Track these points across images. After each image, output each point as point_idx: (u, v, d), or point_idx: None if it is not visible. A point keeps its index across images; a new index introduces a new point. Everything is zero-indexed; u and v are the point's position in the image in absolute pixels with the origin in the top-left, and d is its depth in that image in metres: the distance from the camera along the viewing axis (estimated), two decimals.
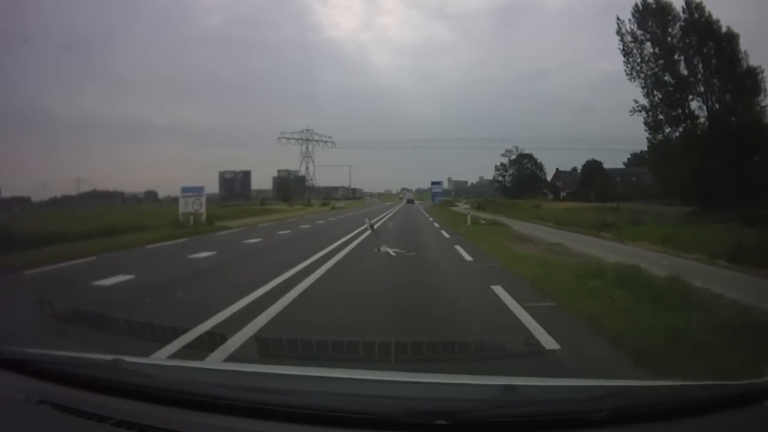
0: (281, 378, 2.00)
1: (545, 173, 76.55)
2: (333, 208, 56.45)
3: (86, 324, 4.71)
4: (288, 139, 78.34)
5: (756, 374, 1.95)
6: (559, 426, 1.55)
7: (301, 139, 79.45)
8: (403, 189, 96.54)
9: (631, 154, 69.39)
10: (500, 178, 78.08)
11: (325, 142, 79.15)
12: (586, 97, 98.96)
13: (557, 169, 75.21)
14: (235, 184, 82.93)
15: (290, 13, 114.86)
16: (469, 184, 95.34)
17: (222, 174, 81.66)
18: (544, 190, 74.04)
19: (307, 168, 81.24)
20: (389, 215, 35.62)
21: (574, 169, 73.29)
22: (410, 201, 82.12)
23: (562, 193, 68.50)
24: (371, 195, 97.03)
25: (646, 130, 32.46)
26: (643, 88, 31.76)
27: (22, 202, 53.75)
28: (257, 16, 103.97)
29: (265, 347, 3.98)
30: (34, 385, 1.88)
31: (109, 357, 1.98)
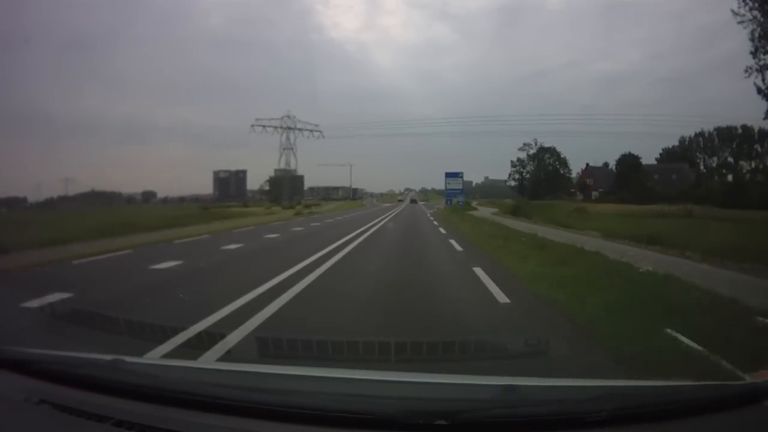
0: (281, 378, 2.00)
1: (569, 169, 65.37)
2: (298, 214, 42.22)
3: (86, 324, 4.71)
4: (264, 127, 66.86)
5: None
6: (559, 426, 1.55)
7: (280, 127, 68.05)
8: (407, 189, 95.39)
9: (663, 149, 60.61)
10: (517, 176, 66.87)
11: (311, 131, 68.12)
12: (588, 97, 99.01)
13: (587, 164, 63.55)
14: (230, 184, 76.91)
15: (292, 14, 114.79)
16: (473, 184, 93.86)
17: (216, 173, 75.92)
18: (572, 189, 63.08)
19: (287, 162, 70.27)
20: (356, 241, 15.84)
21: (605, 165, 62.78)
22: (413, 201, 79.35)
23: (594, 193, 58.20)
24: (372, 195, 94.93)
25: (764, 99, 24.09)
26: (751, 40, 23.78)
27: (18, 202, 53.41)
28: (259, 17, 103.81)
29: (265, 347, 3.98)
30: (34, 385, 1.88)
31: (109, 357, 1.98)
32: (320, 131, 68.66)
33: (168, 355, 3.95)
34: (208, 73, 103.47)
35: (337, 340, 3.91)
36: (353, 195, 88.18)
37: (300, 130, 69.87)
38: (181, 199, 72.02)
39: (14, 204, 52.77)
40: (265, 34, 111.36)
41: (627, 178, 53.33)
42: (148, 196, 74.09)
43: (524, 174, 65.97)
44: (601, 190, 57.93)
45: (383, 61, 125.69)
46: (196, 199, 71.12)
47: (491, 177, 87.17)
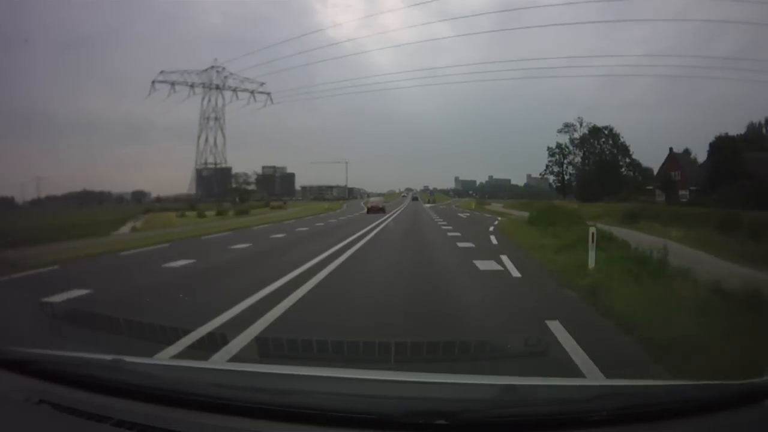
0: (281, 378, 2.00)
1: (633, 159, 45.72)
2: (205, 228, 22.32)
3: (86, 324, 4.71)
4: (173, 84, 42.12)
5: (756, 374, 1.95)
6: (559, 426, 1.55)
7: (201, 85, 42.50)
8: (407, 189, 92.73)
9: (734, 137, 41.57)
10: (556, 168, 47.76)
11: (251, 92, 43.52)
12: (588, 97, 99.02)
13: (671, 150, 43.14)
14: (213, 183, 62.21)
15: (291, 13, 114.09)
16: (477, 183, 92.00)
17: (199, 171, 61.03)
18: (649, 187, 43.58)
19: (209, 141, 44.03)
20: None
21: (686, 152, 44.41)
22: (415, 199, 74.36)
23: (682, 192, 40.33)
24: (368, 195, 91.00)
25: None
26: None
27: (5, 202, 52.02)
28: (258, 16, 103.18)
29: (265, 347, 3.98)
30: (34, 385, 1.88)
31: (109, 357, 1.98)
32: (267, 92, 44.64)
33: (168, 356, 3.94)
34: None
35: (337, 341, 3.92)
36: (349, 195, 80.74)
37: (234, 90, 43.16)
38: (158, 199, 60.37)
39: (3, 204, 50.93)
40: (264, 32, 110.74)
41: (727, 171, 36.02)
42: (139, 196, 64.47)
43: (565, 165, 47.22)
44: (692, 188, 40.17)
45: (382, 60, 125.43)
46: (175, 200, 57.95)
47: (495, 177, 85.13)
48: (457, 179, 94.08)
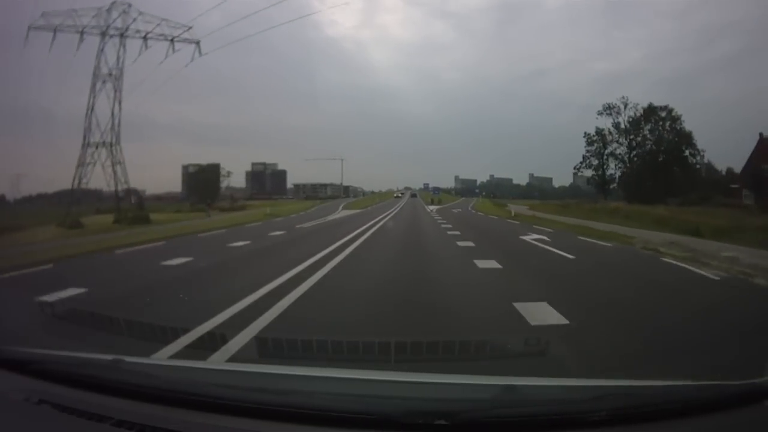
0: (281, 378, 2.00)
1: (698, 150, 34.53)
2: None
3: (86, 324, 4.71)
4: (55, 30, 29.49)
5: (756, 374, 1.95)
6: (559, 426, 1.56)
7: (95, 31, 30.16)
8: (405, 188, 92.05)
9: None
10: (595, 161, 37.00)
11: (170, 40, 30.70)
12: (587, 97, 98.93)
13: (761, 135, 32.14)
14: (200, 181, 56.66)
15: (289, 11, 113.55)
16: (478, 182, 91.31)
17: (185, 168, 57.56)
18: (734, 185, 32.83)
19: (97, 111, 30.71)
20: None
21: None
22: (414, 196, 73.33)
23: None
24: (364, 193, 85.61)
25: None
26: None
27: None
28: (256, 14, 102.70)
29: (265, 347, 3.98)
30: (34, 385, 1.88)
31: (109, 357, 1.98)
32: (195, 41, 31.21)
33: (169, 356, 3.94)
34: (205, 70, 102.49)
35: (337, 340, 3.91)
36: (345, 193, 77.95)
37: (144, 38, 30.71)
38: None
39: None
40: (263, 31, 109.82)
41: None
42: (127, 194, 67.10)
43: (605, 156, 36.09)
44: None
45: (381, 59, 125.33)
46: (158, 198, 52.78)
47: (496, 176, 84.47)
48: (457, 178, 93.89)
